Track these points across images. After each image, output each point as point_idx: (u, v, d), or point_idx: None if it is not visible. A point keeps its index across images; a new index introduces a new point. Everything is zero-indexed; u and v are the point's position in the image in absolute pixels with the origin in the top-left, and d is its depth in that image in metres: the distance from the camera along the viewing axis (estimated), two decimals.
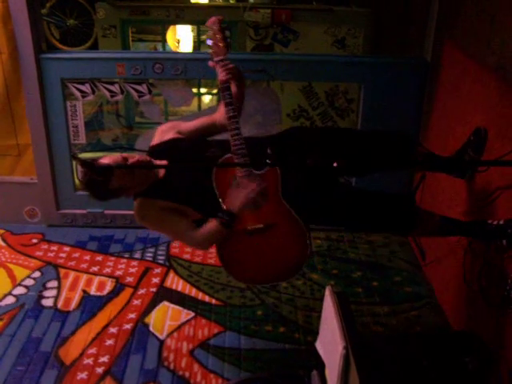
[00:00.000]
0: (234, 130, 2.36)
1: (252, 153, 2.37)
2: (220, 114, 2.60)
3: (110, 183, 2.34)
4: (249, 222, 2.45)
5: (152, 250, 3.89)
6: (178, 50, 6.61)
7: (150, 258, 3.80)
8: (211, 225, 2.46)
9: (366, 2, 5.42)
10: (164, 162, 2.53)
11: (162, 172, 2.56)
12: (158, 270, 3.67)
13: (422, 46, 3.73)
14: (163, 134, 2.69)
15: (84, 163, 2.10)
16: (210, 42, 2.41)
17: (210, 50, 2.43)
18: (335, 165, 1.71)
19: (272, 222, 2.45)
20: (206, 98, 6.38)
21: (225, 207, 2.41)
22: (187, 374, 2.83)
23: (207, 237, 2.50)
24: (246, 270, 2.62)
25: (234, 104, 2.39)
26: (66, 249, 3.92)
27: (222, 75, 2.41)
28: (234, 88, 2.50)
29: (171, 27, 6.48)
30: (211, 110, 4.63)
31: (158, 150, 2.61)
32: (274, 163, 2.40)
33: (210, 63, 2.47)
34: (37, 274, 3.62)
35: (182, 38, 6.78)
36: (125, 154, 2.42)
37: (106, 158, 2.37)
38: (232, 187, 2.40)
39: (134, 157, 2.42)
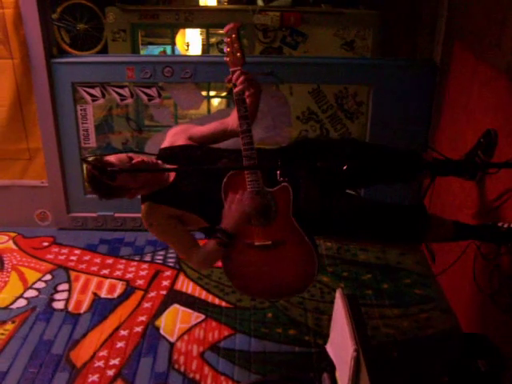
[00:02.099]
0: (246, 145, 2.29)
1: (263, 167, 2.36)
2: (232, 120, 2.57)
3: (113, 181, 2.29)
4: (257, 237, 2.43)
5: (162, 252, 3.91)
6: (188, 54, 6.63)
7: (160, 261, 3.82)
8: (210, 244, 2.46)
9: (375, 4, 5.41)
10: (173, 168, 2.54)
11: (171, 177, 2.55)
12: (168, 273, 3.68)
13: (432, 48, 3.72)
14: (174, 137, 2.67)
15: (95, 167, 2.11)
16: (226, 50, 2.33)
17: (226, 58, 2.34)
18: (345, 168, 1.71)
19: (280, 239, 2.43)
20: (215, 101, 6.39)
21: (222, 225, 2.40)
22: (198, 377, 2.83)
23: (207, 256, 2.51)
24: (250, 284, 2.62)
25: (248, 118, 2.31)
26: (77, 252, 3.94)
27: (237, 88, 2.32)
28: (249, 99, 2.40)
29: (180, 30, 6.50)
30: (220, 113, 4.65)
31: (168, 155, 2.61)
32: (284, 180, 2.35)
33: (227, 78, 2.37)
34: (48, 277, 3.65)
35: (191, 41, 6.80)
36: (130, 154, 2.42)
37: (112, 157, 2.37)
38: (226, 205, 2.38)
39: (139, 157, 2.42)
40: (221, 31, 6.29)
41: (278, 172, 2.30)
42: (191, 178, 2.52)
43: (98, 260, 3.84)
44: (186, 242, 2.56)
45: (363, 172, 2.50)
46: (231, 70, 2.35)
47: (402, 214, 2.55)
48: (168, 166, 2.54)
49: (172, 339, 3.10)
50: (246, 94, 2.37)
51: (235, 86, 2.33)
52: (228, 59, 2.34)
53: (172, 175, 2.55)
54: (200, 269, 2.70)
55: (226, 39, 2.33)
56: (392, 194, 3.08)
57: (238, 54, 2.32)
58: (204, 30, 6.36)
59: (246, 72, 2.34)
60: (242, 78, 2.32)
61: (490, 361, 2.27)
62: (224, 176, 2.38)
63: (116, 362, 2.93)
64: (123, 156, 2.39)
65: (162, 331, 3.16)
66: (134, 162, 2.37)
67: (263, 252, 2.46)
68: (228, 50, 2.33)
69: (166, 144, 2.69)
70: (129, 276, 3.65)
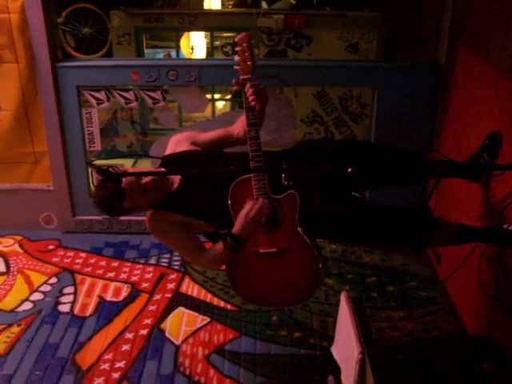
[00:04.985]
0: (254, 152, 2.29)
1: (270, 175, 2.33)
2: (238, 128, 2.57)
3: (122, 203, 2.31)
4: (262, 245, 2.42)
5: (167, 255, 3.91)
6: (192, 57, 6.64)
7: (166, 264, 3.82)
8: (218, 247, 2.44)
9: (379, 6, 5.42)
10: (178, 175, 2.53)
11: (176, 184, 2.52)
12: (173, 276, 3.68)
13: (436, 50, 3.72)
14: (178, 144, 2.64)
15: (100, 170, 2.11)
16: (236, 58, 2.34)
17: (236, 67, 2.35)
18: (350, 170, 1.71)
19: (285, 247, 2.42)
20: (220, 104, 6.41)
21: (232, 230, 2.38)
22: (203, 380, 2.83)
23: (214, 259, 2.50)
24: (254, 291, 2.60)
25: (257, 125, 2.31)
26: (82, 255, 3.95)
27: (249, 97, 2.32)
28: (257, 106, 2.38)
29: (185, 34, 6.52)
30: (225, 116, 4.66)
31: (172, 161, 2.58)
32: (289, 184, 2.33)
33: (235, 81, 2.39)
34: (53, 280, 3.66)
35: (195, 44, 6.82)
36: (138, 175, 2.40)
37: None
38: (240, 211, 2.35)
39: (148, 178, 2.39)
40: (225, 34, 6.31)
41: (283, 175, 2.30)
42: (196, 184, 2.50)
43: (103, 263, 3.84)
44: (191, 246, 2.55)
45: (368, 175, 2.50)
46: (242, 77, 2.36)
47: (408, 217, 2.52)
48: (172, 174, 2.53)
49: (177, 342, 3.10)
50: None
51: (243, 90, 2.34)
52: (238, 67, 2.36)
53: (176, 182, 2.52)
54: (207, 269, 2.70)
55: (237, 48, 2.34)
56: (397, 196, 3.07)
57: (249, 63, 2.34)
58: (208, 33, 6.37)
59: (257, 83, 2.35)
60: (251, 90, 2.32)
61: (495, 363, 2.27)
62: (229, 181, 2.36)
63: (121, 364, 2.94)
64: (132, 178, 2.34)
65: (167, 334, 3.16)
66: (143, 182, 2.35)
67: (268, 259, 2.44)
68: (239, 58, 2.34)
69: (168, 151, 2.66)
70: (134, 279, 3.66)
